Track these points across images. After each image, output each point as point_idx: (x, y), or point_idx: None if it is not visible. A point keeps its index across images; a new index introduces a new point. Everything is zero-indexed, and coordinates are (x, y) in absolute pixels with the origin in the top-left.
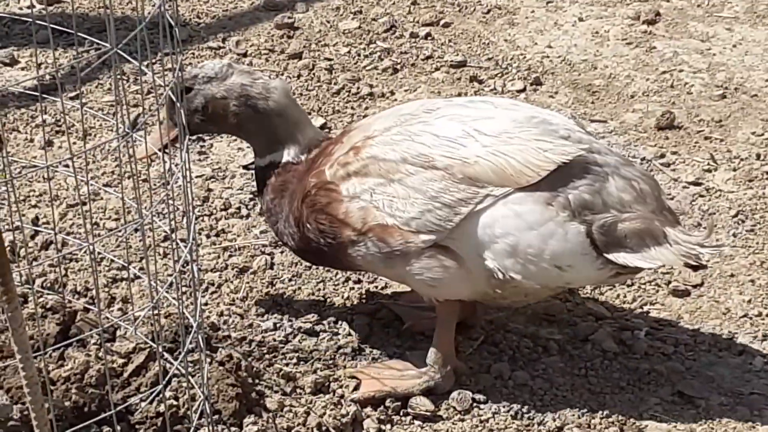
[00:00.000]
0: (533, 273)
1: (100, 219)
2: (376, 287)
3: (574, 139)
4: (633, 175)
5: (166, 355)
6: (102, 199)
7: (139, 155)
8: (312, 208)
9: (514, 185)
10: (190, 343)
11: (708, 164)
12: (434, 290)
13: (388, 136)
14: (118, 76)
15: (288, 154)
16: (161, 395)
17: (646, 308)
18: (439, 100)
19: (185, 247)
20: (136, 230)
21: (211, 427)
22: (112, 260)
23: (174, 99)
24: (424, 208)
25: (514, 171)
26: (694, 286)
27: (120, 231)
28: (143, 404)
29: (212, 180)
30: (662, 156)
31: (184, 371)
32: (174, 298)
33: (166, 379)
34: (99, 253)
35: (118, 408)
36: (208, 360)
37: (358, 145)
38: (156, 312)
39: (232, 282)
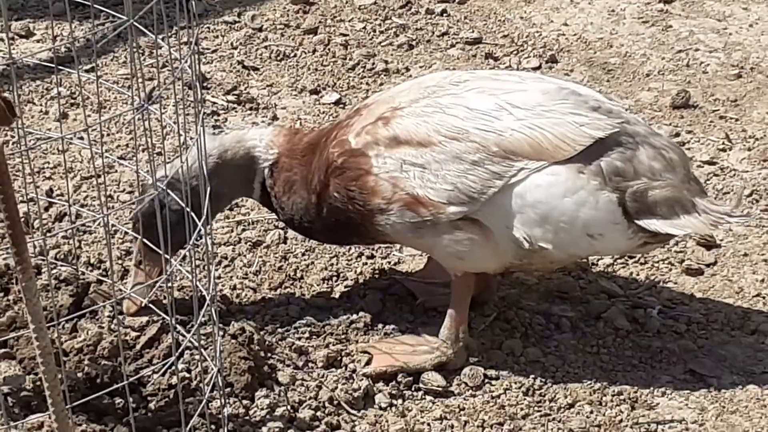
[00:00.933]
0: (564, 242)
1: (114, 191)
2: (389, 263)
3: (604, 110)
4: (662, 144)
5: (178, 327)
6: (116, 171)
7: (128, 310)
8: (341, 176)
9: (550, 159)
10: (203, 316)
11: (723, 143)
12: (460, 262)
13: (417, 107)
14: (134, 49)
15: (263, 162)
16: (174, 367)
17: (659, 287)
18: (462, 72)
19: (199, 220)
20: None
21: (223, 400)
22: (126, 233)
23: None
24: (457, 181)
25: (551, 145)
26: (708, 265)
27: (134, 203)
28: (155, 376)
29: None
30: (677, 135)
31: (196, 344)
32: (187, 271)
33: (179, 351)
34: (113, 225)
35: (131, 380)
36: (221, 333)
37: (386, 115)
38: (169, 284)
39: (245, 256)
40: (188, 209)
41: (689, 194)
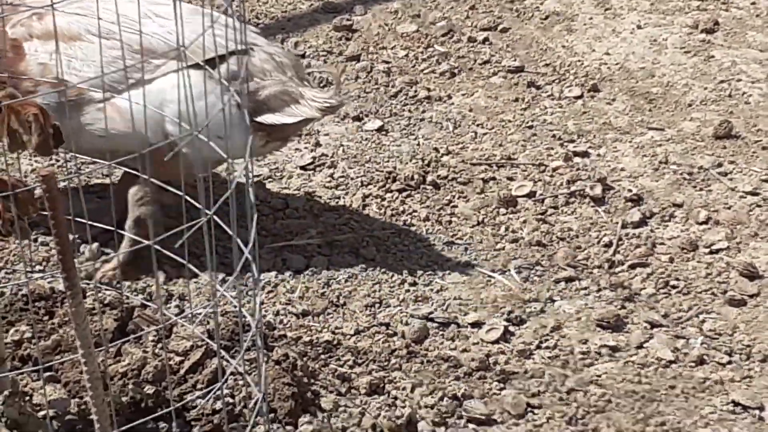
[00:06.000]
0: (195, 142)
1: (163, 216)
2: (432, 290)
3: (232, 27)
4: (275, 51)
5: (223, 353)
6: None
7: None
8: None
9: (184, 63)
10: (248, 341)
11: (766, 174)
12: (106, 141)
13: (71, 8)
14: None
15: None
16: (220, 392)
17: (701, 317)
18: None
19: (246, 246)
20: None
21: (267, 426)
22: (172, 257)
23: None
24: (99, 71)
25: (189, 50)
26: (751, 296)
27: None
28: (200, 401)
29: (269, 180)
30: (719, 165)
31: (242, 370)
32: (232, 297)
33: (225, 377)
34: (158, 251)
35: (177, 405)
36: (265, 359)
37: (41, 12)
38: (215, 311)
39: (288, 281)
40: (235, 236)
41: (297, 87)
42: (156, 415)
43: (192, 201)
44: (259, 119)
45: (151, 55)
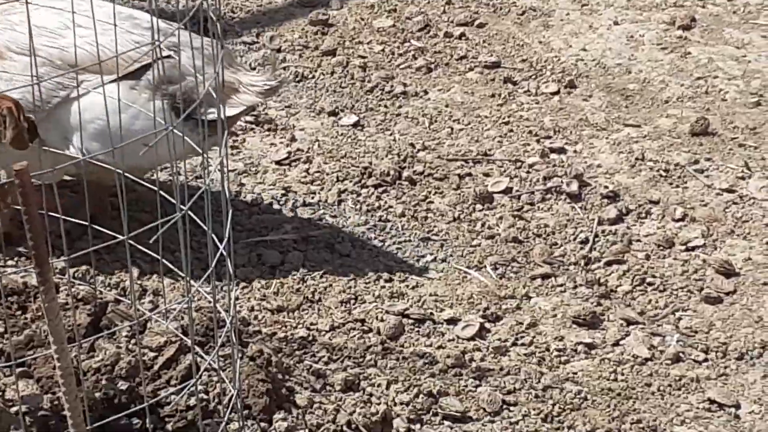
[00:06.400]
0: (123, 154)
1: (134, 211)
2: (407, 286)
3: (162, 31)
4: (204, 44)
5: (197, 349)
6: (135, 191)
7: None
8: None
9: (109, 75)
10: (222, 337)
11: (742, 171)
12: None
13: None
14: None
15: None
16: (194, 388)
17: (678, 314)
18: None
19: (221, 242)
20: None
21: (241, 422)
22: (145, 252)
23: None
24: (25, 90)
25: (110, 62)
26: (727, 293)
27: (154, 225)
28: (174, 397)
29: (244, 174)
30: (696, 162)
31: (216, 366)
32: (207, 292)
33: (200, 373)
34: (131, 246)
35: (152, 401)
36: (239, 355)
37: None
38: (189, 306)
39: (263, 277)
40: (210, 231)
41: (234, 75)
42: (130, 411)
43: (166, 196)
44: (202, 117)
45: (72, 70)
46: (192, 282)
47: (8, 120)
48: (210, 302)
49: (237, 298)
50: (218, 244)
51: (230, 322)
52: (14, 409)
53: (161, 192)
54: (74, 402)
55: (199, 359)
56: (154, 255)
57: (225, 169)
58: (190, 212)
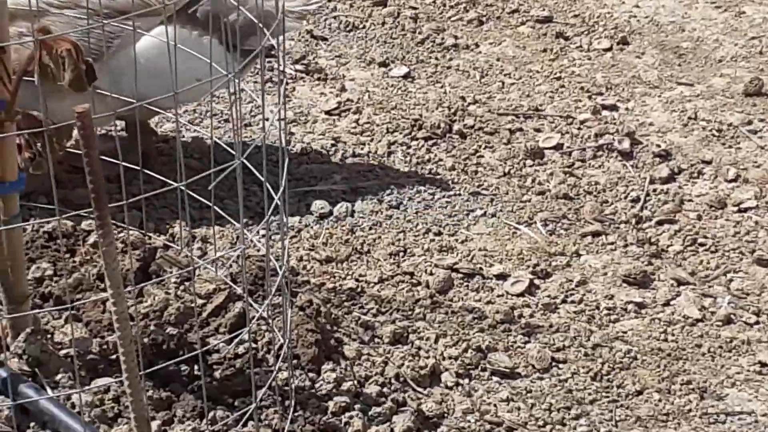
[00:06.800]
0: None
1: (184, 157)
2: (456, 240)
3: None
4: None
5: (246, 297)
6: (184, 137)
7: None
8: None
9: (157, 17)
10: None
11: None
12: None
13: None
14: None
15: None
16: (243, 337)
17: (729, 276)
18: None
19: (275, 192)
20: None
21: (290, 372)
22: (194, 199)
23: None
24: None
25: (156, 3)
26: None
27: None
28: (222, 345)
29: (294, 124)
30: (749, 123)
31: (267, 315)
32: (258, 241)
33: (253, 321)
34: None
35: (205, 348)
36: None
37: None
38: (242, 254)
39: (311, 227)
40: (265, 181)
41: (273, 7)
42: (182, 358)
43: (222, 144)
44: (245, 47)
45: (124, 18)
46: (245, 231)
47: (67, 61)
48: (259, 251)
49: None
50: (273, 194)
51: (282, 272)
52: (63, 352)
53: (217, 140)
54: (129, 347)
55: (248, 308)
56: (205, 202)
57: (282, 120)
58: (245, 161)
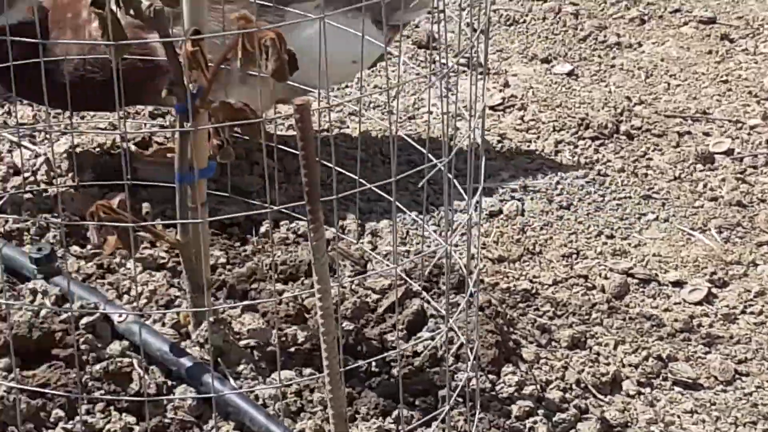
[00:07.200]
0: (332, 75)
1: (353, 149)
2: (629, 244)
3: None
4: None
5: (425, 295)
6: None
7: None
8: None
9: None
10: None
11: None
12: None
13: None
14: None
15: None
16: (436, 336)
17: None
18: None
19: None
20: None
21: (475, 373)
22: (362, 192)
23: None
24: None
25: None
26: None
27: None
28: (401, 342)
29: (458, 118)
30: None
31: (445, 313)
32: (439, 238)
33: (447, 324)
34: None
35: (403, 347)
36: (468, 305)
37: None
38: (424, 252)
39: (482, 225)
40: (451, 177)
41: None
42: (378, 357)
43: (416, 144)
44: (392, 23)
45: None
46: (426, 227)
47: (271, 51)
48: (429, 247)
49: (456, 245)
50: (464, 194)
51: (468, 273)
52: (243, 342)
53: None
54: (332, 343)
55: (426, 306)
56: (387, 197)
57: (478, 117)
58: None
